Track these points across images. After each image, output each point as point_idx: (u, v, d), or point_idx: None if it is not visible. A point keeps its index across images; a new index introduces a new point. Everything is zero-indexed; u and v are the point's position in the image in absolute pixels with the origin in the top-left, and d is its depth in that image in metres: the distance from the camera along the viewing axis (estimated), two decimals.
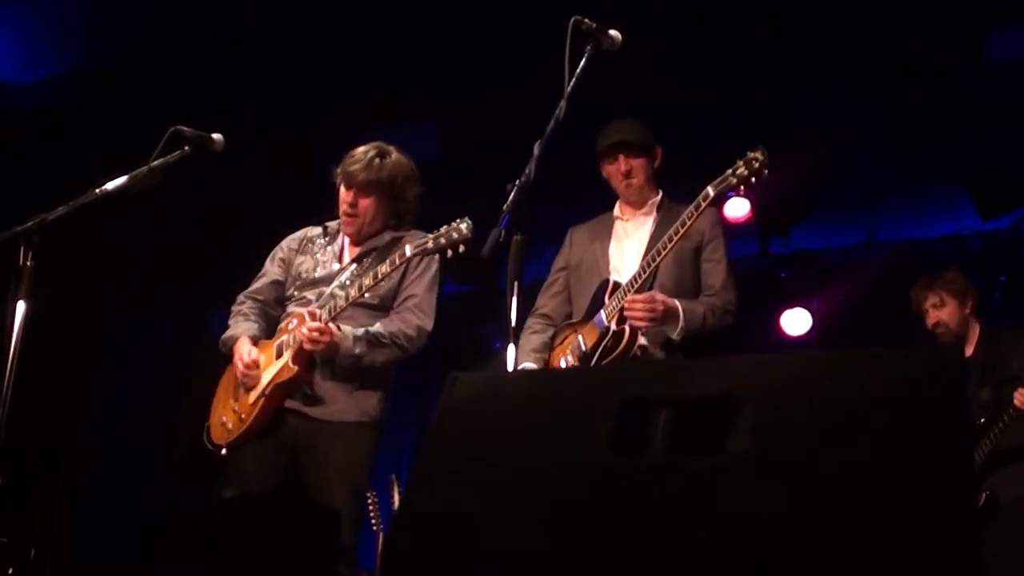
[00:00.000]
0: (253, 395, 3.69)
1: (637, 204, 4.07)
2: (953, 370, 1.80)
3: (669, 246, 3.67)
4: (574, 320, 4.02)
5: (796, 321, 7.34)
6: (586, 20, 3.03)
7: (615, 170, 4.04)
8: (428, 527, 1.84)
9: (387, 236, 3.89)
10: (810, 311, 7.33)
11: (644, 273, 3.74)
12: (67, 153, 5.97)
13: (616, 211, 4.12)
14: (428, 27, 5.60)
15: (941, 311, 4.73)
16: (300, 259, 3.94)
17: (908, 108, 6.00)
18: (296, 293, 3.87)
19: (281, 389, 3.67)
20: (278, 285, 3.94)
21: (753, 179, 3.50)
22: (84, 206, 3.28)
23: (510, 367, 2.71)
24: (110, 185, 3.34)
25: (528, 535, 1.76)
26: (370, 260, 3.83)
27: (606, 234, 4.09)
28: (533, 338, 4.08)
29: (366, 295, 3.67)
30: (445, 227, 3.58)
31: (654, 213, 4.03)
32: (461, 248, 3.54)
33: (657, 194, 4.08)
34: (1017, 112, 5.94)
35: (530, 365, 3.96)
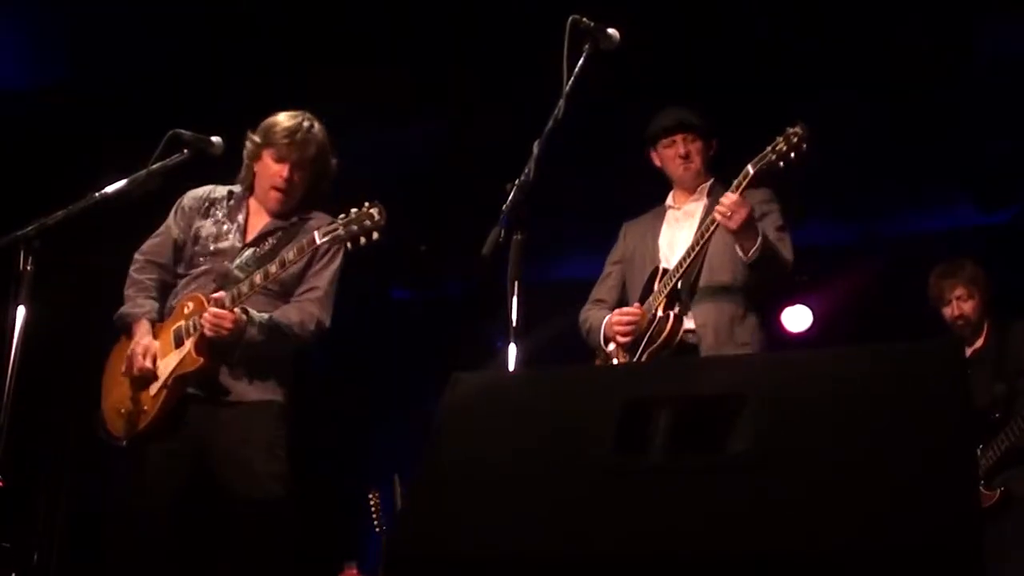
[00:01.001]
0: (154, 387, 3.55)
1: (691, 190, 3.99)
2: (954, 365, 1.80)
3: (712, 228, 3.63)
4: None
5: (797, 318, 7.35)
6: (584, 19, 3.03)
7: (672, 153, 3.96)
8: (431, 527, 1.84)
9: (294, 216, 3.74)
10: (810, 308, 7.33)
11: (690, 256, 3.70)
12: (67, 158, 5.97)
13: (669, 200, 4.07)
14: (427, 27, 5.60)
15: (965, 304, 4.68)
16: (201, 223, 3.75)
17: (907, 105, 6.00)
18: (192, 260, 3.71)
19: (184, 381, 3.53)
20: (177, 248, 3.76)
21: (792, 154, 3.43)
22: (84, 210, 3.27)
23: (511, 367, 2.71)
24: (109, 189, 3.32)
25: (530, 535, 1.76)
26: (275, 240, 3.68)
27: (658, 224, 4.04)
28: (599, 313, 4.01)
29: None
30: (356, 211, 3.42)
31: (704, 199, 3.95)
32: (375, 236, 3.39)
33: (709, 180, 3.99)
34: (1015, 108, 5.94)
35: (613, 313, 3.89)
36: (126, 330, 3.69)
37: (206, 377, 3.54)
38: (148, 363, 3.54)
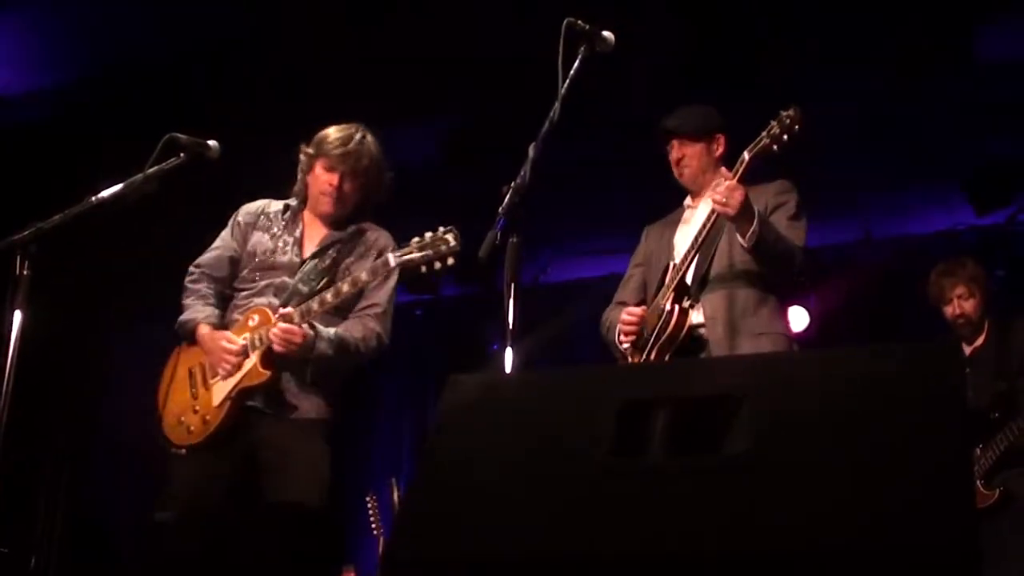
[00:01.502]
0: (217, 396, 3.59)
1: (698, 191, 3.95)
2: (952, 365, 1.80)
3: (713, 219, 3.62)
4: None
5: (793, 319, 7.35)
6: (579, 22, 3.03)
7: (670, 159, 3.95)
8: (428, 530, 1.84)
9: (350, 227, 3.81)
10: (807, 309, 7.34)
11: (695, 248, 3.69)
12: (63, 162, 5.97)
13: (687, 200, 4.04)
14: (427, 28, 5.60)
15: (966, 303, 4.69)
16: (257, 235, 3.81)
17: (902, 105, 6.01)
18: (250, 275, 3.76)
19: (248, 393, 3.57)
20: (234, 262, 3.81)
21: (786, 136, 3.44)
22: (80, 214, 3.27)
23: (508, 369, 2.71)
24: (106, 193, 3.32)
25: (528, 536, 1.76)
26: (335, 253, 3.75)
27: (675, 224, 4.02)
28: (617, 313, 3.97)
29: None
30: (430, 235, 3.46)
31: None
32: (449, 262, 3.43)
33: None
34: (1010, 108, 5.95)
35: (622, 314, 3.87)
36: (187, 336, 3.73)
37: (269, 391, 3.59)
38: (238, 351, 3.56)
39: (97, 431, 7.33)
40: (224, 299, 3.80)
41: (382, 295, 3.75)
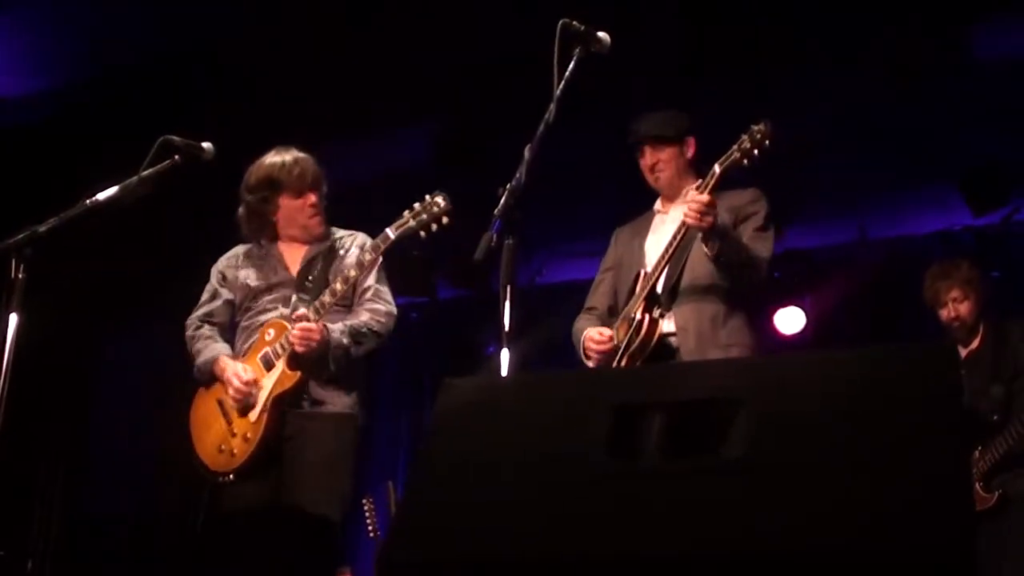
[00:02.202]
0: (254, 413, 3.64)
1: (673, 196, 3.96)
2: (948, 368, 1.80)
3: (683, 230, 3.62)
4: (619, 316, 3.95)
5: (790, 320, 7.36)
6: (574, 23, 3.03)
7: (643, 165, 3.96)
8: (424, 533, 1.84)
9: (325, 240, 3.92)
10: (803, 310, 7.35)
11: (665, 258, 3.70)
12: (62, 164, 5.96)
13: (657, 205, 4.06)
14: (424, 28, 5.60)
15: (961, 305, 4.64)
16: (243, 273, 3.90)
17: (898, 105, 6.00)
18: (252, 304, 3.84)
19: (282, 400, 3.64)
20: (230, 306, 3.90)
21: (756, 151, 3.44)
22: (75, 217, 3.26)
23: (504, 372, 2.70)
24: (100, 196, 3.32)
25: (524, 540, 1.75)
26: (321, 263, 3.84)
27: (645, 229, 4.02)
28: (584, 326, 4.00)
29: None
30: (419, 204, 3.58)
31: None
32: (444, 220, 3.55)
33: (694, 183, 3.88)
34: (1006, 108, 5.95)
35: (590, 331, 3.89)
36: (209, 376, 3.78)
37: (298, 392, 3.65)
38: (250, 382, 3.63)
39: (92, 433, 7.33)
40: (227, 340, 3.88)
41: (371, 278, 3.83)
